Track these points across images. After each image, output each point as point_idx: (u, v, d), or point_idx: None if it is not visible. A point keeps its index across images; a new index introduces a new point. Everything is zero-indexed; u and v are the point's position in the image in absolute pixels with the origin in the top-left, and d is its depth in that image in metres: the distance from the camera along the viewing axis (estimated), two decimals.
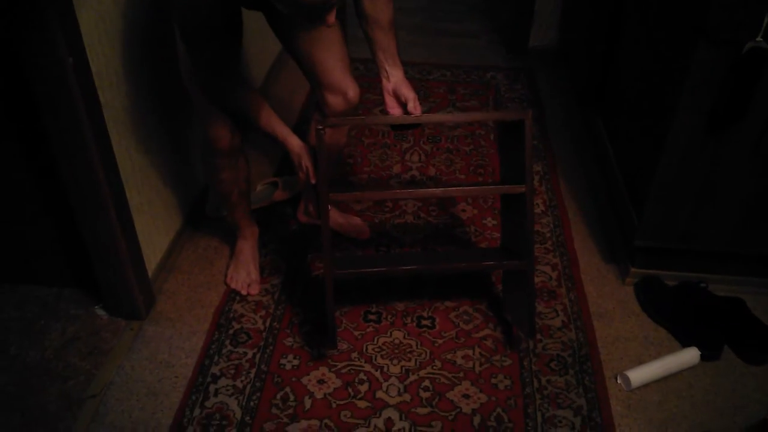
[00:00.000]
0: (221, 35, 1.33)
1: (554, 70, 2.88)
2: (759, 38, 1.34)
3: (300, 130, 1.88)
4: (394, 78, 1.49)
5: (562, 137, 2.45)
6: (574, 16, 2.74)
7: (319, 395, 1.52)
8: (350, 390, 1.54)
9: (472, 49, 3.09)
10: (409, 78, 1.53)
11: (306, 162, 1.46)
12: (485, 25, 3.33)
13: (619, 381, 1.57)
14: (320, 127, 1.40)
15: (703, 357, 1.60)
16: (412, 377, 1.57)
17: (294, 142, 1.48)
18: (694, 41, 1.42)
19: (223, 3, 1.27)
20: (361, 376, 1.57)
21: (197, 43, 1.33)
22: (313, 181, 1.47)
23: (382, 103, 1.53)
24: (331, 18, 1.20)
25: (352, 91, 1.64)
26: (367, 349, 1.63)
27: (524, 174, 1.45)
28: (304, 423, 1.46)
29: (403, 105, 1.49)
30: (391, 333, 1.68)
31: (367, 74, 2.74)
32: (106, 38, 1.46)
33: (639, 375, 1.54)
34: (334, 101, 1.65)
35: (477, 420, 1.48)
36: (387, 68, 1.49)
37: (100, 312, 1.71)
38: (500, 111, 1.63)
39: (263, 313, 1.73)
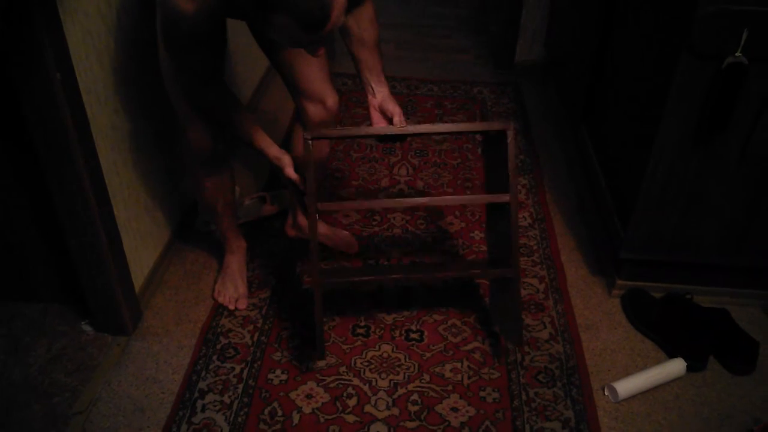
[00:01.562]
0: (206, 43, 1.33)
1: (540, 84, 2.91)
2: (738, 53, 1.37)
3: (287, 146, 1.89)
4: (380, 94, 1.51)
5: (549, 150, 2.48)
6: (559, 31, 2.78)
7: (307, 410, 1.52)
8: (339, 404, 1.53)
9: (459, 64, 3.12)
10: (397, 92, 1.55)
11: (289, 172, 1.46)
12: (473, 40, 3.37)
13: (606, 393, 1.58)
14: (308, 138, 1.41)
15: (689, 368, 1.61)
16: (401, 391, 1.57)
17: (273, 152, 1.48)
18: (678, 55, 1.44)
19: (209, 12, 1.27)
20: (350, 390, 1.56)
21: (182, 51, 1.33)
22: (302, 188, 1.47)
23: (369, 116, 1.54)
24: (320, 52, 1.22)
25: (332, 99, 1.66)
26: (355, 363, 1.63)
27: (508, 183, 1.47)
28: None
29: (389, 120, 1.51)
30: (379, 346, 1.68)
31: (356, 89, 2.76)
32: (94, 54, 1.47)
33: (626, 386, 1.55)
34: (314, 110, 1.66)
35: None
36: (373, 85, 1.52)
37: (87, 328, 1.70)
38: (483, 122, 1.66)
39: (251, 327, 1.73)
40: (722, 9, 1.35)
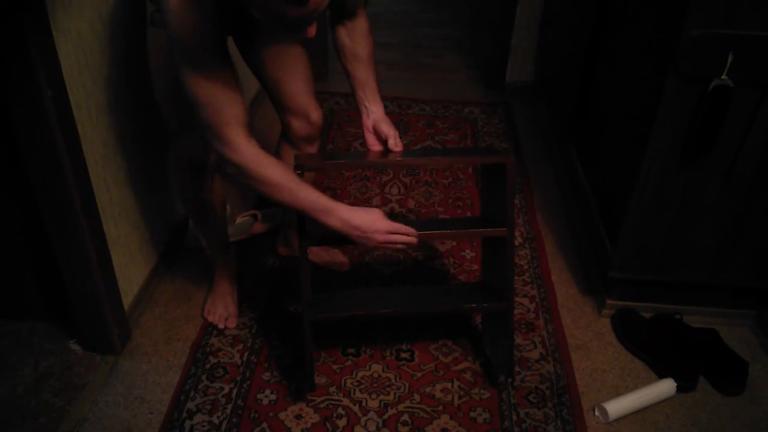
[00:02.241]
0: (218, 55, 1.24)
1: (531, 104, 2.94)
2: (724, 76, 1.39)
3: None
4: (374, 115, 1.50)
5: (539, 170, 2.49)
6: (549, 52, 2.81)
7: (296, 431, 1.50)
8: (328, 425, 1.52)
9: (450, 84, 3.14)
10: (389, 112, 1.54)
11: (399, 234, 1.35)
12: (464, 60, 3.40)
13: (596, 413, 1.57)
14: (299, 171, 1.37)
15: (679, 388, 1.61)
16: (391, 411, 1.55)
17: (344, 215, 1.32)
18: (664, 76, 1.46)
19: (213, 32, 1.21)
20: (340, 410, 1.55)
21: (200, 78, 1.23)
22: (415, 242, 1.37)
23: (363, 137, 1.54)
24: (312, 30, 1.15)
25: (315, 113, 1.67)
26: (345, 383, 1.62)
27: (506, 217, 1.43)
28: None
29: (384, 142, 1.50)
30: (369, 366, 1.67)
31: (348, 108, 2.78)
32: (86, 71, 1.47)
33: (616, 407, 1.55)
34: (298, 124, 1.67)
35: None
36: (366, 104, 1.50)
37: (75, 347, 1.68)
38: (483, 155, 1.64)
39: (240, 347, 1.72)
40: (708, 32, 1.38)
